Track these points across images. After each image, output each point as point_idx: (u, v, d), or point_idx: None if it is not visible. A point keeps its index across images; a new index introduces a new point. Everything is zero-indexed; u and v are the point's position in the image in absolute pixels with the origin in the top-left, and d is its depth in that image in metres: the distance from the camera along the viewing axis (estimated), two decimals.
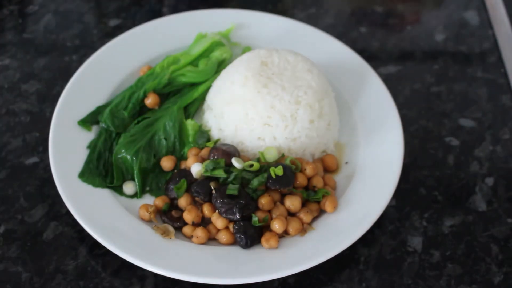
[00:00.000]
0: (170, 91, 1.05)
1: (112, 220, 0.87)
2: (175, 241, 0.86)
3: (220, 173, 0.89)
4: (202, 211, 0.89)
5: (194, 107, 1.05)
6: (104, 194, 0.91)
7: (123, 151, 0.95)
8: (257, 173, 0.90)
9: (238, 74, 0.98)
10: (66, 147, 0.94)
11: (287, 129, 0.95)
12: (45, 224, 0.91)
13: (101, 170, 0.94)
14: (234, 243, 0.87)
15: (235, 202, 0.86)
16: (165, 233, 0.87)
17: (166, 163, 0.95)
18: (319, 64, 1.03)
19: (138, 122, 1.00)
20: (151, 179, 0.95)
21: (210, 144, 0.96)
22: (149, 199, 0.93)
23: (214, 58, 1.09)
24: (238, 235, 0.85)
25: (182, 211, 0.90)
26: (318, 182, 0.93)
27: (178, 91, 1.06)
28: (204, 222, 0.89)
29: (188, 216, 0.88)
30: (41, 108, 1.07)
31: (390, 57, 1.23)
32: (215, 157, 0.91)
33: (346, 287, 0.87)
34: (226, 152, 0.91)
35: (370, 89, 1.07)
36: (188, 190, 0.91)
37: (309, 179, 0.93)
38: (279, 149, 0.96)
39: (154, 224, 0.89)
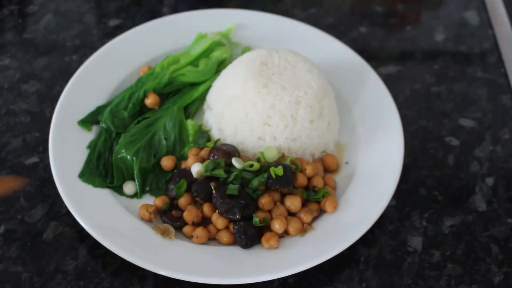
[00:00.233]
0: (170, 91, 1.05)
1: (112, 220, 0.87)
2: (175, 241, 0.86)
3: (220, 173, 0.89)
4: (202, 211, 0.89)
5: (194, 107, 1.05)
6: (104, 194, 0.91)
7: (123, 151, 0.95)
8: (257, 173, 0.90)
9: (238, 74, 0.98)
10: (66, 147, 0.94)
11: (287, 129, 0.95)
12: (45, 224, 0.91)
13: (101, 170, 0.94)
14: (234, 243, 0.87)
15: (235, 202, 0.86)
16: (165, 233, 0.87)
17: (166, 163, 0.95)
18: (319, 64, 1.03)
19: (138, 122, 1.00)
20: (151, 179, 0.95)
21: (210, 144, 0.96)
22: (149, 199, 0.93)
23: (214, 58, 1.09)
24: (238, 235, 0.85)
25: (182, 211, 0.90)
26: (318, 182, 0.93)
27: (178, 91, 1.06)
28: (204, 222, 0.89)
29: (188, 216, 0.88)
30: (41, 108, 1.07)
31: (390, 57, 1.23)
32: (215, 157, 0.91)
33: (346, 287, 0.87)
34: (226, 152, 0.91)
35: (370, 89, 1.07)
36: (188, 190, 0.91)
37: (309, 179, 0.93)
38: (279, 149, 0.96)
39: (154, 224, 0.89)
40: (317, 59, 1.04)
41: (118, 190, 0.93)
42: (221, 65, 1.10)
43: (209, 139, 1.00)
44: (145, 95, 1.02)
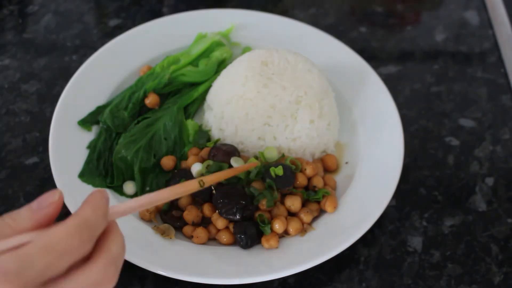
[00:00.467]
0: (170, 91, 1.05)
1: None
2: (175, 241, 0.86)
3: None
4: (202, 211, 0.89)
5: (194, 107, 1.05)
6: None
7: (123, 151, 0.95)
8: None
9: (238, 74, 0.98)
10: (66, 147, 0.94)
11: (287, 129, 0.95)
12: None
13: (101, 170, 0.94)
14: (234, 243, 0.87)
15: (235, 202, 0.86)
16: (165, 233, 0.87)
17: (166, 163, 0.95)
18: (319, 64, 1.03)
19: (138, 122, 1.00)
20: (151, 179, 0.95)
21: (210, 144, 0.96)
22: None
23: (214, 58, 1.09)
24: (238, 235, 0.85)
25: (182, 211, 0.90)
26: (318, 182, 0.93)
27: (178, 91, 1.06)
28: (204, 222, 0.89)
29: (188, 216, 0.88)
30: (41, 108, 1.07)
31: (390, 57, 1.23)
32: (215, 157, 0.91)
33: (346, 287, 0.87)
34: (226, 152, 0.91)
35: (370, 89, 1.07)
36: None
37: (309, 179, 0.93)
38: (279, 149, 0.96)
39: (154, 224, 0.89)
40: (317, 59, 1.04)
41: (118, 190, 0.93)
42: (221, 65, 1.10)
43: (209, 139, 1.00)
44: (145, 95, 1.02)
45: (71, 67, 1.13)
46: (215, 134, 0.99)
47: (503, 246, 0.93)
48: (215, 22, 1.15)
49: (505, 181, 1.02)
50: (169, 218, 0.89)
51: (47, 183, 0.96)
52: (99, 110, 1.00)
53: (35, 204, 0.55)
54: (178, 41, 1.13)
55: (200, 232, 0.87)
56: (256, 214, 0.87)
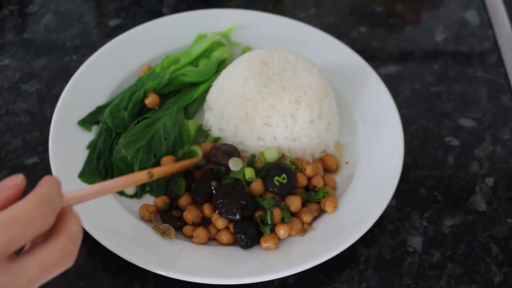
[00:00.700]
0: (170, 91, 1.05)
1: (112, 220, 0.87)
2: (175, 241, 0.86)
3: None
4: (202, 211, 0.89)
5: (194, 107, 1.05)
6: None
7: (123, 151, 0.95)
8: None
9: (238, 74, 0.98)
10: (66, 147, 0.94)
11: (287, 129, 0.95)
12: None
13: (101, 170, 0.94)
14: (234, 243, 0.87)
15: (235, 202, 0.86)
16: (165, 233, 0.87)
17: (166, 163, 0.95)
18: (319, 64, 1.03)
19: (138, 122, 1.00)
20: None
21: (210, 139, 0.96)
22: (149, 199, 0.93)
23: (214, 58, 1.09)
24: (238, 235, 0.85)
25: (182, 211, 0.90)
26: (318, 182, 0.93)
27: (178, 91, 1.06)
28: (204, 222, 0.89)
29: (188, 216, 0.88)
30: (41, 108, 1.07)
31: (390, 57, 1.23)
32: (215, 157, 0.91)
33: (346, 287, 0.87)
34: (226, 152, 0.91)
35: (370, 89, 1.07)
36: (188, 190, 0.91)
37: (309, 179, 0.93)
38: (279, 149, 0.96)
39: (154, 224, 0.89)
40: (317, 59, 1.04)
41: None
42: (221, 65, 1.10)
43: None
44: (145, 95, 1.02)
45: (71, 67, 1.13)
46: (215, 134, 0.99)
47: (503, 246, 0.93)
48: (215, 22, 1.15)
49: (505, 181, 1.02)
50: (169, 218, 0.89)
51: None
52: (99, 110, 1.00)
53: None
54: (178, 41, 1.13)
55: (200, 232, 0.87)
56: (256, 214, 0.87)
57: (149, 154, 0.96)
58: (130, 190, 0.93)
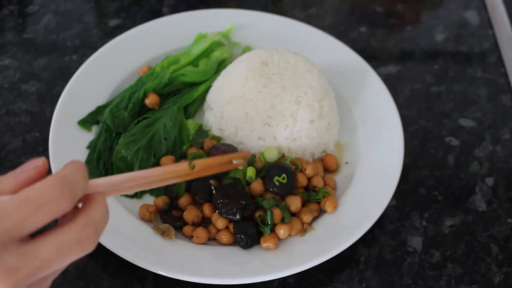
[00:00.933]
0: (170, 91, 1.05)
1: (112, 220, 0.86)
2: (175, 241, 0.86)
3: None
4: (202, 211, 0.89)
5: (194, 107, 1.05)
6: None
7: (123, 151, 0.95)
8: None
9: (238, 74, 0.98)
10: (66, 147, 0.94)
11: (287, 129, 0.95)
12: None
13: (101, 170, 0.94)
14: (234, 243, 0.87)
15: (235, 202, 0.86)
16: (165, 233, 0.87)
17: (166, 163, 0.95)
18: (319, 64, 1.03)
19: (138, 122, 1.00)
20: None
21: (210, 136, 0.96)
22: (149, 199, 0.93)
23: (214, 58, 1.09)
24: (238, 235, 0.85)
25: (182, 211, 0.90)
26: (318, 182, 0.93)
27: (178, 91, 1.06)
28: (204, 222, 0.89)
29: (188, 216, 0.88)
30: (41, 108, 1.07)
31: (390, 57, 1.23)
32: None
33: (346, 287, 0.87)
34: (226, 152, 0.91)
35: (370, 89, 1.07)
36: (188, 190, 0.91)
37: (309, 179, 0.93)
38: (279, 149, 0.96)
39: (154, 224, 0.89)
40: (317, 59, 1.04)
41: None
42: (221, 65, 1.10)
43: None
44: (145, 95, 1.02)
45: (71, 67, 1.13)
46: (215, 134, 0.99)
47: (503, 246, 0.93)
48: (215, 22, 1.15)
49: (505, 181, 1.02)
50: (169, 218, 0.89)
51: None
52: (99, 110, 1.00)
53: (19, 169, 0.55)
54: (178, 41, 1.13)
55: (200, 232, 0.87)
56: (256, 214, 0.87)
57: (149, 154, 0.96)
58: None
